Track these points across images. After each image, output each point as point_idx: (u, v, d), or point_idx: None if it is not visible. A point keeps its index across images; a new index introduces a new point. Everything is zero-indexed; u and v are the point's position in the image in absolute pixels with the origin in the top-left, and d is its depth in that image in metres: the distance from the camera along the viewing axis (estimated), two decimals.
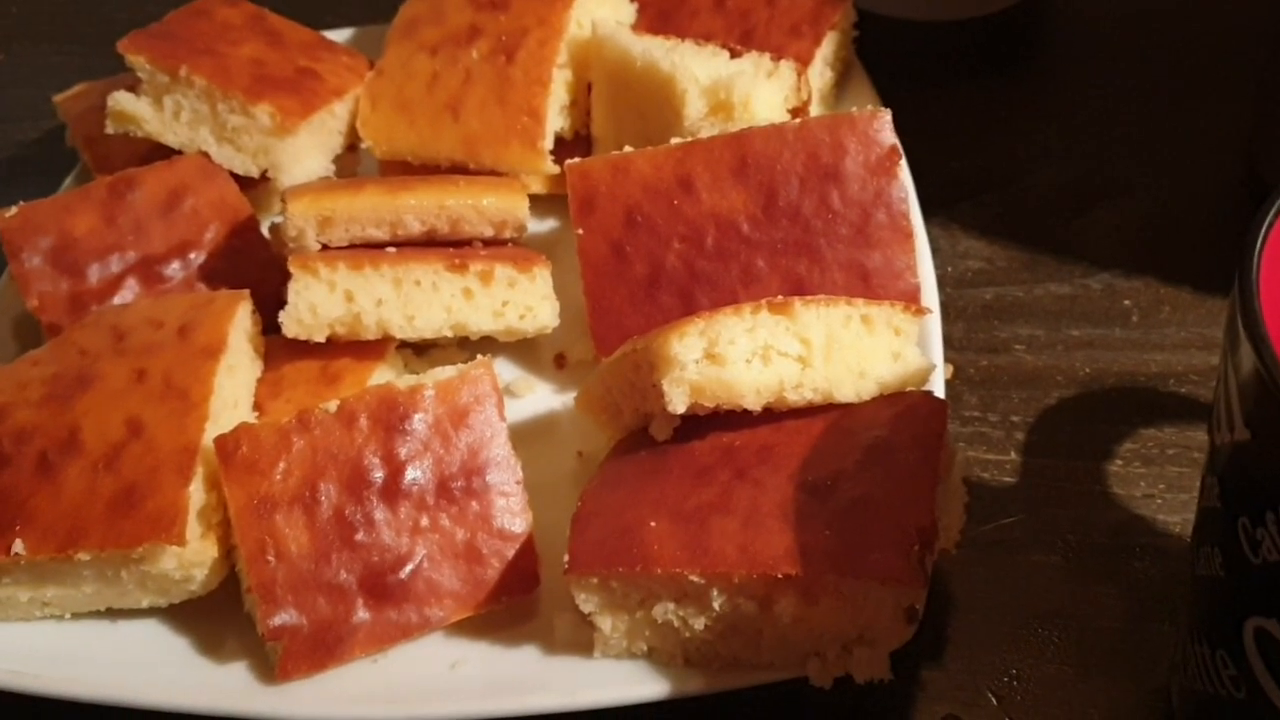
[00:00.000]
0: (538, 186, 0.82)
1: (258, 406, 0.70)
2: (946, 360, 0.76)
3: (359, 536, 0.62)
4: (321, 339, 0.71)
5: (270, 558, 0.60)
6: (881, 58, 0.89)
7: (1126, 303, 0.79)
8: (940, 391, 0.67)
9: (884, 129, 0.70)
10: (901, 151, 0.70)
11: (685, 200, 0.71)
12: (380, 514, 0.62)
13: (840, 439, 0.61)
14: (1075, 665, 0.63)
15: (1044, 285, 0.81)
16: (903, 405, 0.62)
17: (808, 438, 0.61)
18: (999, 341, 0.78)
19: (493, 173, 0.81)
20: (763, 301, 0.62)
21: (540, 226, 0.83)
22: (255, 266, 0.76)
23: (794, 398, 0.62)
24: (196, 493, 0.62)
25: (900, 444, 0.59)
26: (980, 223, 0.85)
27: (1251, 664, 0.50)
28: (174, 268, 0.76)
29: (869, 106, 0.72)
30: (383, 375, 0.72)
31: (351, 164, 0.86)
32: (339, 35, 0.93)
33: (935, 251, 0.81)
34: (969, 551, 0.66)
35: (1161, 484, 0.70)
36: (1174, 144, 0.89)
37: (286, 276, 0.71)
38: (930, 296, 0.72)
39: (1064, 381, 0.75)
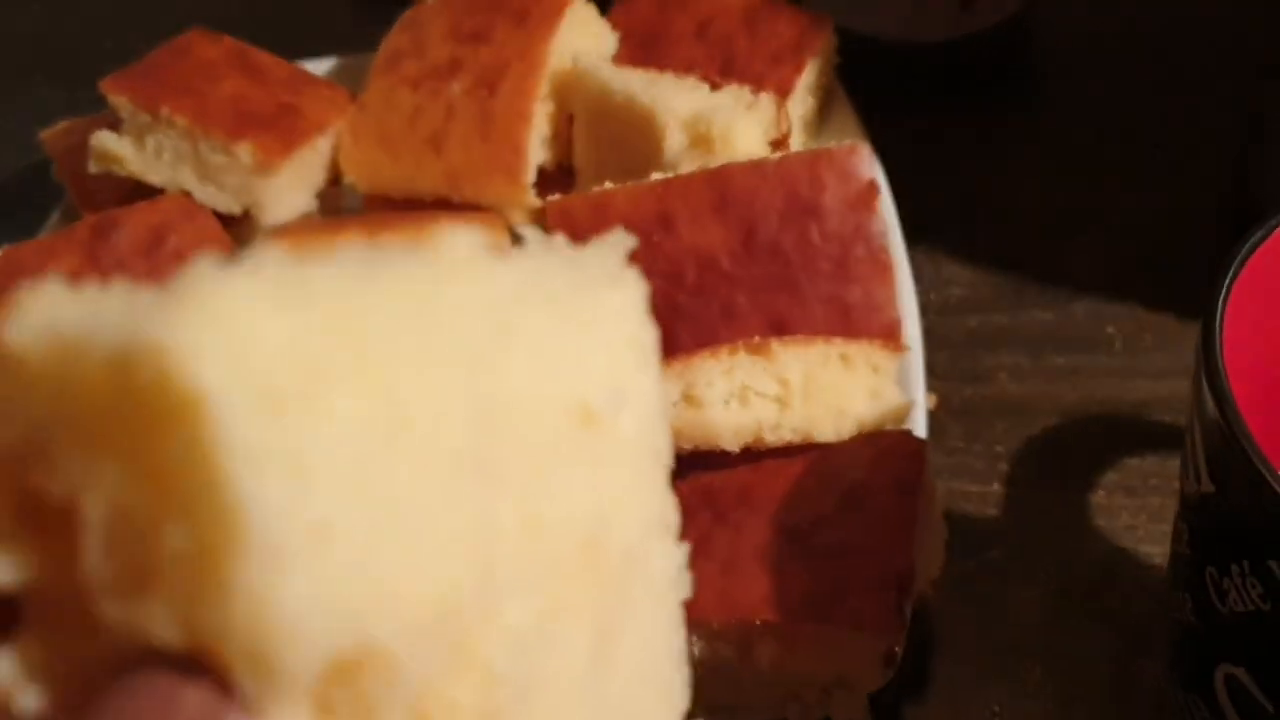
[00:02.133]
0: (520, 219, 0.83)
1: None
2: (930, 390, 0.77)
3: None
4: None
5: None
6: (865, 81, 0.90)
7: (1110, 329, 0.80)
8: (922, 427, 0.68)
9: (862, 163, 0.71)
10: (880, 186, 0.71)
11: (665, 237, 0.72)
12: None
13: (819, 481, 0.62)
14: (1058, 701, 0.64)
15: (1028, 312, 0.82)
16: (881, 446, 0.63)
17: (786, 479, 0.62)
18: (983, 370, 0.79)
19: (476, 206, 0.82)
20: (740, 343, 0.63)
21: None
22: None
23: (772, 438, 0.63)
24: None
25: (878, 487, 0.60)
26: (964, 249, 0.86)
27: (1224, 710, 0.51)
28: None
29: (849, 140, 0.73)
30: None
31: (335, 198, 0.87)
32: (322, 64, 0.94)
33: (918, 279, 0.81)
34: (951, 587, 0.67)
35: (1144, 515, 0.71)
36: (1159, 167, 0.90)
37: None
38: (912, 328, 0.73)
39: (1048, 410, 0.76)
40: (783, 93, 0.82)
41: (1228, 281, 0.49)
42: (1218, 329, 0.47)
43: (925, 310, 0.81)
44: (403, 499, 0.23)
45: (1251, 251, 0.51)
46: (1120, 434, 0.75)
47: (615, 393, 0.28)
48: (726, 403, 0.63)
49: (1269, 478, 0.43)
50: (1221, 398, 0.45)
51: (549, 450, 0.27)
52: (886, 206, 0.76)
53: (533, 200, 0.82)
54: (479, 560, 0.25)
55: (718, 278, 0.72)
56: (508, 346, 0.26)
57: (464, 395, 0.24)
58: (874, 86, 0.91)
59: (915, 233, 0.83)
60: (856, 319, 0.71)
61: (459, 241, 0.26)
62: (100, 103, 0.88)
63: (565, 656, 0.27)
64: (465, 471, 0.24)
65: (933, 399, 0.77)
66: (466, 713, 0.24)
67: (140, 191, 0.83)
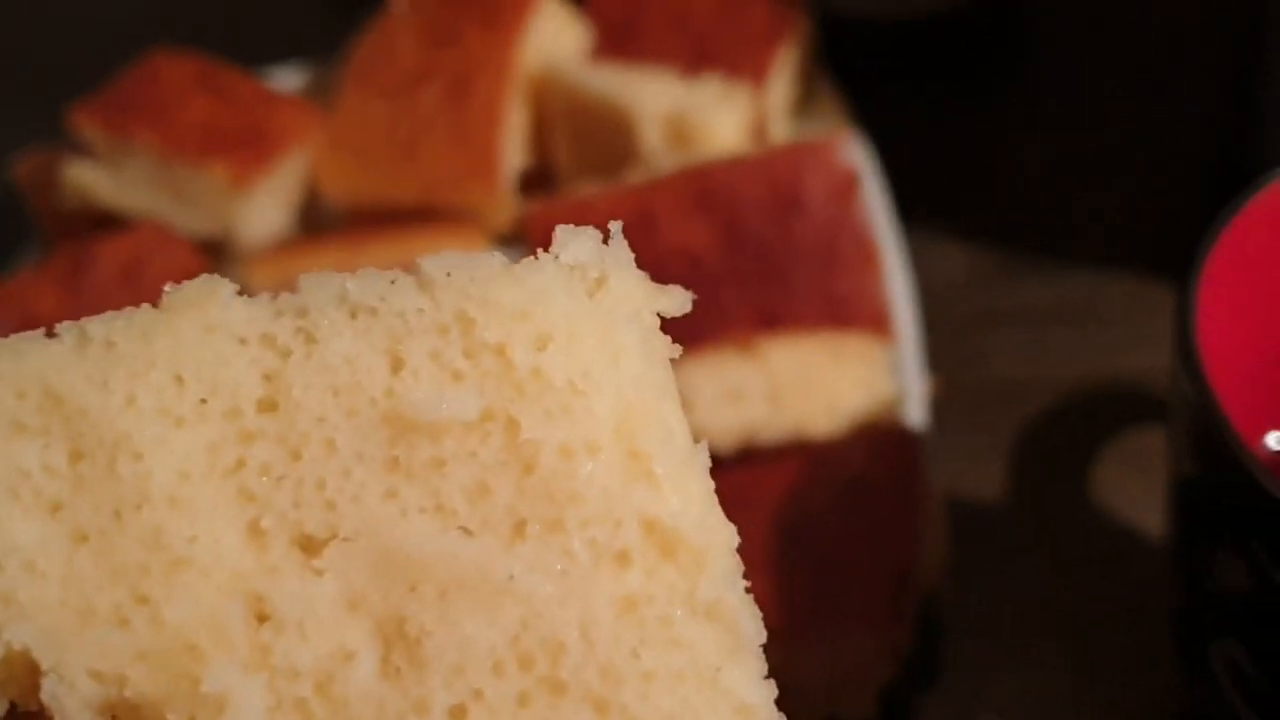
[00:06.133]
0: (503, 224, 0.86)
1: None
2: (931, 374, 0.79)
3: None
4: None
5: None
6: (853, 62, 0.93)
7: (1107, 302, 0.83)
8: (920, 415, 0.71)
9: (843, 153, 0.74)
10: (863, 174, 0.74)
11: (648, 238, 0.75)
12: None
13: (815, 479, 0.65)
14: (1069, 684, 0.67)
15: (1025, 289, 0.85)
16: (876, 440, 0.66)
17: (782, 478, 0.66)
18: (982, 351, 0.82)
19: (456, 215, 0.85)
20: (728, 343, 0.66)
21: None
22: None
23: (765, 437, 0.67)
24: None
25: (876, 482, 0.63)
26: (959, 229, 0.89)
27: (1220, 683, 0.54)
28: None
29: (833, 126, 0.76)
30: None
31: (316, 214, 0.90)
32: (291, 73, 0.97)
33: (914, 262, 0.84)
34: (956, 574, 0.70)
35: (1147, 489, 0.73)
36: (1150, 137, 0.92)
37: None
38: (905, 315, 0.76)
39: (1047, 388, 0.79)
40: (758, 78, 0.84)
41: (1202, 261, 0.52)
42: (1192, 312, 0.50)
43: (923, 293, 0.83)
44: None
45: (1226, 224, 0.54)
46: (1120, 407, 0.78)
47: None
48: (717, 404, 0.66)
49: (1245, 460, 0.46)
50: (1198, 380, 0.48)
51: None
52: (873, 192, 0.79)
53: (511, 205, 0.85)
54: None
55: (704, 275, 0.75)
56: None
57: None
58: (863, 66, 0.93)
59: (908, 214, 0.85)
60: (845, 310, 0.74)
61: None
62: (56, 119, 0.90)
63: None
64: None
65: (937, 383, 0.80)
66: None
67: (112, 217, 0.86)
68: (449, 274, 0.34)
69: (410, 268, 0.34)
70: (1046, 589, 0.71)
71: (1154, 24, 1.00)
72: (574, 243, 0.35)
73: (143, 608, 0.31)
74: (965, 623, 0.70)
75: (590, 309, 0.34)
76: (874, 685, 0.61)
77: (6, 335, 0.83)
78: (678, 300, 0.36)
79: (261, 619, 0.32)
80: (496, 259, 0.34)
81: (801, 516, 0.63)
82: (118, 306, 0.84)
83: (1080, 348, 0.81)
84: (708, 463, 0.34)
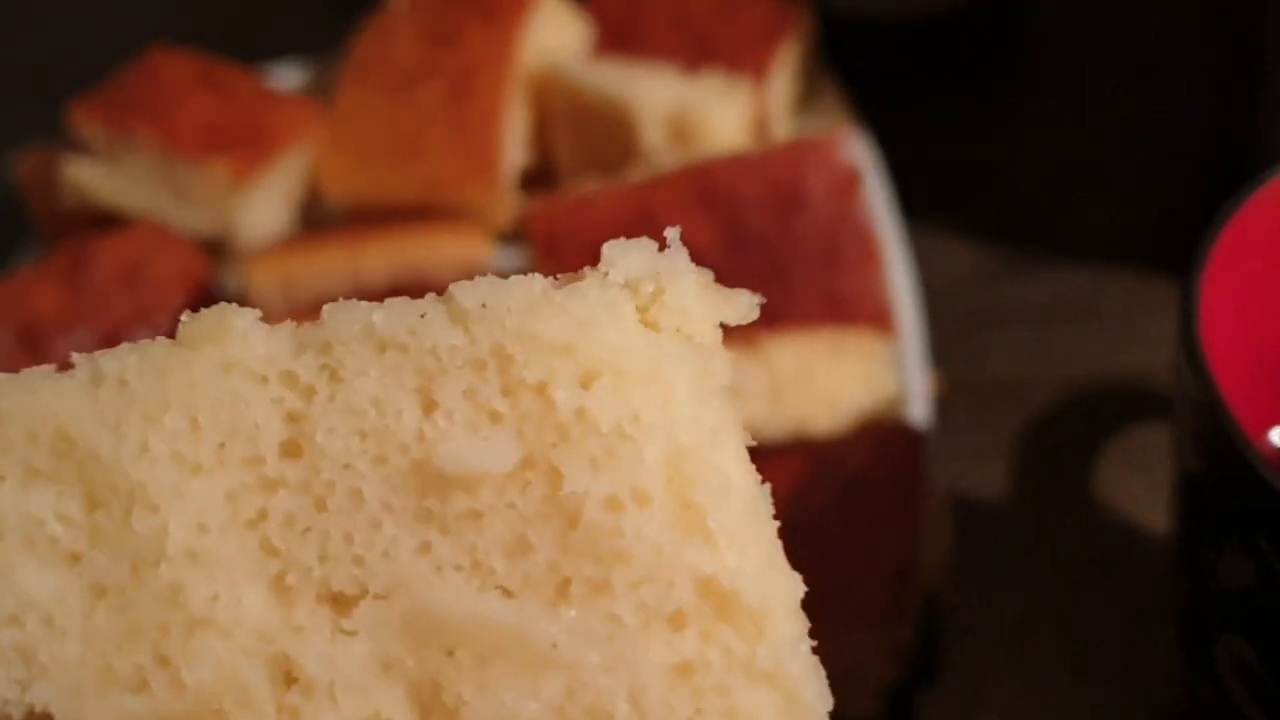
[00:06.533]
0: (504, 222, 0.86)
1: None
2: (933, 371, 0.79)
3: None
4: None
5: None
6: (857, 61, 0.93)
7: (1109, 299, 0.83)
8: (922, 411, 0.70)
9: (845, 151, 0.74)
10: (864, 171, 0.74)
11: (649, 236, 0.75)
12: None
13: (817, 476, 0.65)
14: (1070, 681, 0.67)
15: (1027, 287, 0.85)
16: (878, 438, 0.66)
17: (785, 475, 0.65)
18: (984, 348, 0.82)
19: (456, 213, 0.85)
20: (729, 340, 0.66)
21: (511, 263, 0.87)
22: None
23: (767, 434, 0.66)
24: None
25: (877, 480, 0.63)
26: (963, 226, 0.89)
27: (1225, 680, 0.54)
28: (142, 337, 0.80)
29: (835, 124, 0.76)
30: None
31: (316, 212, 0.90)
32: (290, 70, 0.97)
33: (916, 259, 0.84)
34: (958, 572, 0.70)
35: (1150, 487, 0.73)
36: (1152, 134, 0.92)
37: None
38: (907, 313, 0.76)
39: (1049, 385, 0.79)
40: (759, 76, 0.84)
41: (1204, 257, 0.51)
42: (1195, 308, 0.50)
43: (926, 290, 0.83)
44: None
45: (1229, 220, 0.53)
46: (1122, 404, 0.78)
47: None
48: None
49: (1251, 456, 0.45)
50: (1202, 377, 0.48)
51: None
52: (875, 189, 0.79)
53: (512, 204, 0.84)
54: None
55: None
56: None
57: None
58: (863, 66, 0.93)
59: (910, 212, 0.85)
60: (847, 307, 0.74)
61: None
62: (56, 119, 0.90)
63: None
64: None
65: (938, 381, 0.79)
66: None
67: (111, 216, 0.86)
68: (484, 304, 0.30)
69: (443, 295, 0.31)
70: (1048, 587, 0.71)
71: (1154, 24, 1.00)
72: (626, 257, 0.32)
73: (163, 670, 0.30)
74: (965, 622, 0.70)
75: (641, 340, 0.31)
76: (875, 683, 0.61)
77: (7, 333, 0.83)
78: (744, 306, 0.32)
79: (289, 681, 0.30)
80: (537, 284, 0.31)
81: (803, 514, 0.63)
82: (117, 305, 0.84)
83: (1082, 345, 0.81)
84: (770, 510, 0.31)
